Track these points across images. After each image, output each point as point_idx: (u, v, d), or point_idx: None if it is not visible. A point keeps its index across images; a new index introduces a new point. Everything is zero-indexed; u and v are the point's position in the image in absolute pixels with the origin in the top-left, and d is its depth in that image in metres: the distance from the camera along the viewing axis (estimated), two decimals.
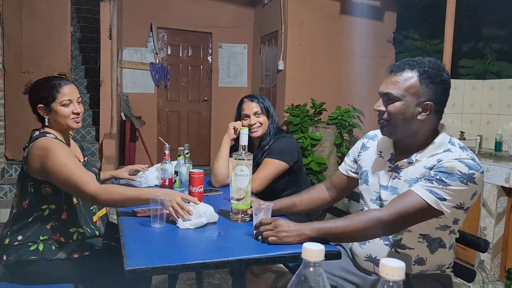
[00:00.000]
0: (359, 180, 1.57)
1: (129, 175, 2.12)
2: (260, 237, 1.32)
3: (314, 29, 5.20)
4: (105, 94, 4.78)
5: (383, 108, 1.35)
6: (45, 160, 1.57)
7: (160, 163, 2.18)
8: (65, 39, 4.54)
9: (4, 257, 1.65)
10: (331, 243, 1.34)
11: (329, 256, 1.30)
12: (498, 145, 3.48)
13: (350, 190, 1.69)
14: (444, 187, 1.24)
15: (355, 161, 1.61)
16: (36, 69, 4.51)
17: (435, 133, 1.37)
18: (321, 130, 4.55)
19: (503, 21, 4.93)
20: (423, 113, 1.31)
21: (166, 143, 2.20)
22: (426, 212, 1.25)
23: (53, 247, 1.66)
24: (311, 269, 0.65)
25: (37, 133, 1.70)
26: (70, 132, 1.85)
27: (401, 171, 1.39)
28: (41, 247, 1.64)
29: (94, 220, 1.79)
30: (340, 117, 4.62)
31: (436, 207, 1.24)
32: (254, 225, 1.40)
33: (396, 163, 1.41)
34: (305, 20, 5.18)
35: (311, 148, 4.50)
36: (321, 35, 5.23)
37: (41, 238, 1.65)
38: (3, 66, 4.60)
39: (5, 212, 4.02)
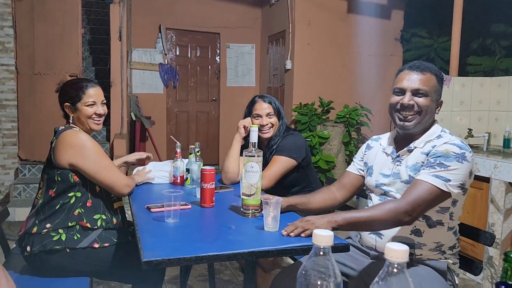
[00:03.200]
0: (365, 175, 1.70)
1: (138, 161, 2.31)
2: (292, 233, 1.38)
3: (321, 28, 5.23)
4: (115, 94, 4.86)
5: (412, 102, 1.50)
6: (80, 148, 1.72)
7: (167, 161, 2.26)
8: (76, 41, 4.62)
9: (28, 248, 1.72)
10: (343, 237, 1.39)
11: (338, 248, 1.34)
12: (507, 142, 3.48)
13: (360, 189, 1.80)
14: (445, 169, 1.39)
15: (362, 159, 1.76)
16: (48, 71, 4.60)
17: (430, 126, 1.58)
18: (329, 129, 4.58)
19: (511, 18, 4.91)
20: (438, 108, 1.55)
21: (178, 142, 2.26)
22: (437, 196, 1.38)
23: (75, 237, 1.73)
24: (322, 254, 0.69)
25: (62, 127, 1.82)
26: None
27: (402, 159, 1.56)
28: (64, 237, 1.72)
29: (115, 207, 1.88)
30: (348, 116, 4.64)
31: (445, 189, 1.37)
32: (264, 218, 1.44)
33: (397, 153, 1.58)
34: (312, 20, 5.20)
35: (319, 146, 4.53)
36: (328, 34, 5.25)
37: (69, 224, 1.74)
38: (16, 68, 4.70)
39: (19, 211, 4.11)
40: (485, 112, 3.82)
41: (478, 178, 2.94)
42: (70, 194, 1.76)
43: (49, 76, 4.56)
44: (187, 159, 2.18)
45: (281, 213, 1.65)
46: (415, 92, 1.49)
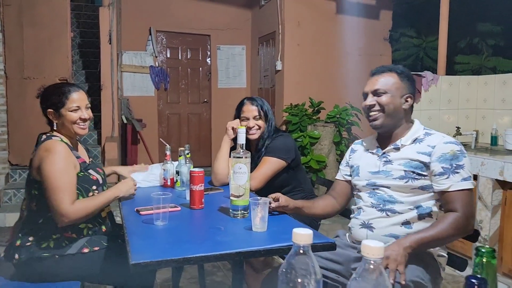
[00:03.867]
0: (352, 177, 1.75)
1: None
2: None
3: (311, 29, 5.26)
4: (106, 98, 4.85)
5: (372, 102, 1.62)
6: (42, 160, 1.66)
7: (156, 164, 2.26)
8: (65, 45, 4.61)
9: (16, 256, 1.71)
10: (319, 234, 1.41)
11: (325, 247, 1.37)
12: (494, 140, 3.53)
13: (352, 193, 1.83)
14: (463, 169, 1.50)
15: (348, 164, 1.82)
16: (37, 75, 4.58)
17: (410, 124, 1.67)
18: (319, 129, 4.61)
19: (497, 17, 4.99)
20: (406, 103, 1.62)
21: (167, 144, 2.27)
22: (473, 195, 1.52)
23: (63, 244, 1.72)
24: (302, 252, 0.70)
25: (44, 136, 1.78)
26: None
27: (389, 156, 1.63)
28: (52, 244, 1.71)
29: (103, 216, 1.86)
30: (338, 116, 4.67)
31: (473, 186, 1.51)
32: (252, 219, 1.46)
33: (383, 151, 1.65)
34: (302, 20, 5.24)
35: (310, 146, 4.56)
36: (318, 34, 5.29)
37: (54, 237, 1.72)
38: (5, 72, 4.67)
39: (10, 216, 4.09)
40: (472, 110, 3.87)
41: None
42: None
43: (39, 80, 4.54)
44: (177, 162, 2.19)
45: (286, 214, 1.70)
46: (375, 93, 1.62)
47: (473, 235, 1.54)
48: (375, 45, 5.52)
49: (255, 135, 2.30)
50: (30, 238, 1.72)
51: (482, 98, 3.81)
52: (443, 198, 1.52)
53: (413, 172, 1.54)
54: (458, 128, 3.66)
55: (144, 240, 1.39)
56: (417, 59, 5.55)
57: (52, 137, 1.76)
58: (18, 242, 1.72)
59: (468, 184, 1.49)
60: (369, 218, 1.61)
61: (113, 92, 4.81)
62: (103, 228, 1.84)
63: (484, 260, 0.68)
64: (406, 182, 1.55)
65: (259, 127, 2.30)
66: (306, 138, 4.54)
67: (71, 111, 1.77)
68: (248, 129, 2.28)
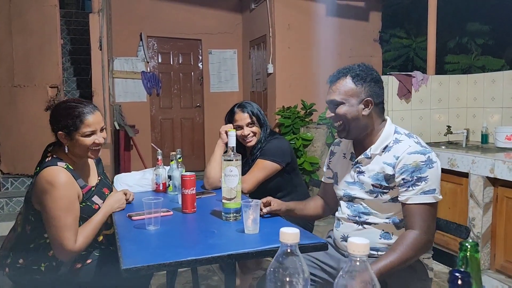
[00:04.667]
0: (333, 183, 1.73)
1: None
2: None
3: (301, 32, 5.29)
4: (97, 104, 4.79)
5: (332, 114, 1.53)
6: (45, 194, 1.56)
7: (149, 169, 2.25)
8: (56, 52, 4.59)
9: (6, 269, 1.68)
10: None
11: (316, 247, 1.37)
12: (485, 138, 3.56)
13: None
14: (425, 182, 1.41)
15: (329, 168, 1.78)
16: (28, 83, 4.56)
17: (382, 125, 1.55)
18: (312, 131, 4.63)
19: (485, 16, 5.05)
20: (366, 109, 1.50)
21: (159, 149, 2.26)
22: (435, 209, 1.43)
23: (54, 263, 1.67)
24: (289, 251, 0.71)
25: (49, 158, 1.64)
26: None
27: (362, 166, 1.56)
28: (42, 267, 1.65)
29: (99, 240, 1.82)
30: None
31: (436, 200, 1.42)
32: (244, 221, 1.47)
33: (356, 160, 1.58)
34: (292, 23, 5.26)
35: (303, 148, 4.57)
36: (308, 37, 5.32)
37: (43, 265, 1.66)
38: None
39: (2, 226, 4.05)
40: (462, 109, 3.91)
41: (457, 173, 3.01)
42: (45, 235, 1.64)
43: (30, 88, 4.52)
44: (169, 166, 2.19)
45: (279, 215, 1.70)
46: (331, 104, 1.53)
47: (464, 232, 1.55)
48: (365, 46, 5.56)
49: (252, 142, 2.27)
50: (20, 261, 1.66)
51: (472, 96, 3.85)
52: (403, 212, 1.45)
53: (380, 186, 1.49)
54: (449, 127, 3.69)
55: (136, 245, 1.39)
56: (407, 59, 5.60)
57: (58, 163, 1.61)
58: (8, 260, 1.68)
59: (428, 198, 1.40)
60: (347, 232, 1.58)
61: (104, 99, 4.79)
62: (95, 244, 1.79)
63: (468, 254, 0.69)
64: (375, 197, 1.50)
65: (255, 134, 2.29)
66: (299, 140, 4.56)
67: (84, 136, 1.63)
68: (244, 137, 2.26)
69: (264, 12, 5.40)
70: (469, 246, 0.71)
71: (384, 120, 1.56)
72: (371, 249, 1.48)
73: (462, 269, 0.63)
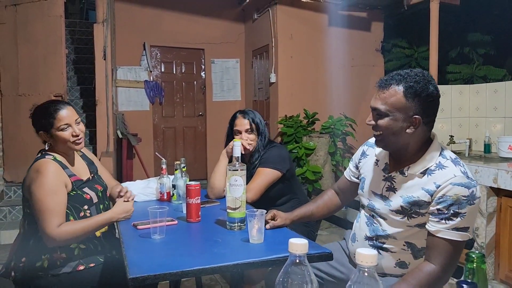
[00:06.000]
0: (359, 184, 1.63)
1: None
2: None
3: (304, 42, 5.32)
4: (101, 113, 4.85)
5: (373, 122, 1.40)
6: (32, 181, 1.66)
7: (152, 178, 2.26)
8: (60, 62, 4.62)
9: (12, 274, 1.72)
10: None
11: (321, 257, 1.38)
12: (487, 147, 3.57)
13: (356, 195, 1.73)
14: (461, 218, 1.29)
15: (357, 167, 1.67)
16: (33, 92, 4.59)
17: (427, 143, 1.41)
18: (314, 140, 4.63)
19: (487, 26, 5.08)
20: (411, 127, 1.34)
21: (163, 158, 2.28)
22: (462, 247, 1.34)
23: (58, 263, 1.71)
24: (298, 261, 0.72)
25: (39, 155, 1.78)
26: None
27: (395, 182, 1.45)
28: (45, 264, 1.70)
29: (98, 235, 1.84)
30: (333, 126, 4.71)
31: (466, 239, 1.32)
32: (249, 231, 1.47)
33: (390, 174, 1.47)
34: (294, 33, 5.30)
35: (305, 157, 4.58)
36: (311, 47, 5.35)
37: (43, 257, 1.70)
38: (0, 90, 4.68)
39: (5, 234, 4.06)
40: (465, 118, 3.92)
41: None
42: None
43: (34, 97, 4.55)
44: (173, 175, 2.20)
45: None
46: (375, 111, 1.39)
47: (469, 242, 1.55)
48: (367, 56, 5.59)
49: (247, 149, 2.31)
50: (23, 259, 1.72)
51: (474, 106, 3.86)
52: (427, 240, 1.35)
53: (410, 210, 1.38)
54: (451, 136, 3.70)
55: (141, 254, 1.40)
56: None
57: (46, 156, 1.75)
58: (12, 263, 1.73)
59: (460, 236, 1.29)
60: None
61: (108, 107, 4.82)
62: (98, 248, 1.82)
63: (474, 265, 0.70)
64: (402, 218, 1.40)
65: (252, 141, 2.31)
66: (302, 149, 4.57)
67: (61, 130, 1.75)
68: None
69: (266, 22, 5.45)
70: (475, 258, 0.71)
71: (430, 137, 1.42)
72: (384, 274, 1.44)
73: (469, 280, 0.63)
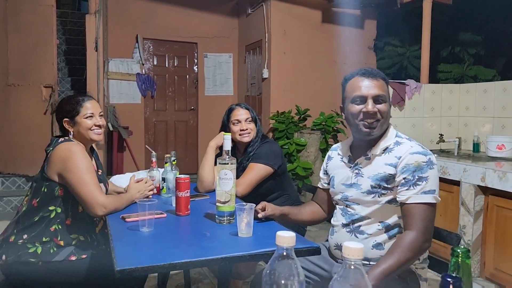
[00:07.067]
0: (330, 187, 1.71)
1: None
2: None
3: (297, 38, 5.32)
4: None
5: (375, 109, 1.50)
6: (68, 159, 1.73)
7: (142, 171, 2.25)
8: (51, 52, 4.57)
9: (3, 257, 1.72)
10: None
11: (309, 252, 1.38)
12: (476, 146, 3.61)
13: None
14: (425, 182, 1.42)
15: (326, 173, 1.78)
16: (22, 82, 4.53)
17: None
18: (306, 136, 4.65)
19: (478, 27, 5.12)
20: (390, 110, 1.55)
21: (153, 151, 2.27)
22: (434, 209, 1.44)
23: (51, 250, 1.72)
24: (285, 254, 0.72)
25: (61, 139, 1.84)
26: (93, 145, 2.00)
27: (361, 167, 1.57)
28: (39, 250, 1.71)
29: (97, 231, 1.87)
30: (324, 123, 4.72)
31: (435, 201, 1.43)
32: (237, 224, 1.47)
33: (355, 161, 1.59)
34: (288, 29, 5.30)
35: (296, 153, 4.59)
36: (304, 43, 5.35)
37: (44, 239, 1.73)
38: None
39: None
40: (455, 117, 3.95)
41: (449, 181, 3.04)
42: (51, 208, 1.77)
43: (24, 87, 4.50)
44: (163, 169, 2.19)
45: (273, 220, 1.70)
46: (376, 99, 1.49)
47: (454, 239, 1.57)
48: (360, 53, 5.61)
49: (248, 137, 2.32)
50: (24, 236, 1.74)
51: (464, 106, 3.90)
52: (402, 212, 1.45)
53: (379, 187, 1.48)
54: (441, 135, 3.73)
55: (129, 247, 1.39)
56: (401, 67, 5.65)
57: (70, 141, 1.84)
58: (12, 238, 1.75)
59: (429, 198, 1.40)
60: (341, 240, 1.58)
61: (99, 100, 4.78)
62: (95, 242, 1.85)
63: (459, 260, 0.71)
64: (373, 197, 1.50)
65: (251, 130, 2.33)
66: (293, 145, 4.57)
67: (85, 118, 1.86)
68: (241, 131, 2.30)
69: (260, 17, 5.43)
70: (460, 252, 0.72)
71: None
72: (364, 259, 1.46)
73: (453, 274, 0.64)
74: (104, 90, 5.14)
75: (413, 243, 1.37)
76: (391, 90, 3.74)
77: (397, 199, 1.45)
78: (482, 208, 2.85)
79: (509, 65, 5.11)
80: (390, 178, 1.47)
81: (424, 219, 1.40)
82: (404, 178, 1.43)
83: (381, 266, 1.34)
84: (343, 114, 1.62)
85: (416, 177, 1.42)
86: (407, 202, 1.42)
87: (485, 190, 2.82)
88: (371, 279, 1.30)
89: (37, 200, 1.78)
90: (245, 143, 2.34)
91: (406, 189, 1.42)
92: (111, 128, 5.30)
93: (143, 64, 6.06)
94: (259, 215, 1.63)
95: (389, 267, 1.33)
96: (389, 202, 1.49)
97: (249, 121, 2.34)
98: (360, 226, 1.54)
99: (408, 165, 1.44)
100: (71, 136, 1.86)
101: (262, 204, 1.69)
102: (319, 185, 1.84)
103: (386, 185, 1.48)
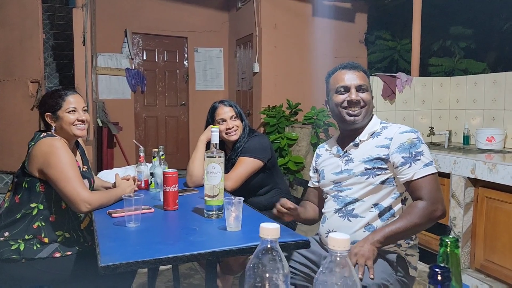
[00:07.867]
0: (319, 181, 1.74)
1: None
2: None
3: (288, 32, 5.29)
4: None
5: (359, 98, 1.60)
6: (50, 154, 1.68)
7: (130, 166, 2.22)
8: (37, 46, 4.49)
9: None
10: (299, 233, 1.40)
11: (299, 245, 1.36)
12: (466, 139, 3.61)
13: None
14: (423, 155, 1.50)
15: (316, 170, 1.81)
16: (8, 77, 4.45)
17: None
18: (297, 130, 4.63)
19: (468, 20, 5.13)
20: (372, 100, 1.65)
21: (141, 146, 2.23)
22: (438, 179, 1.51)
23: (35, 247, 1.69)
24: (269, 246, 0.69)
25: (44, 134, 1.79)
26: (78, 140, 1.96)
27: (351, 154, 1.63)
28: (22, 247, 1.68)
29: (82, 228, 1.84)
30: (315, 117, 4.71)
31: (436, 170, 1.51)
32: (226, 219, 1.45)
33: (344, 150, 1.66)
34: (278, 23, 5.26)
35: (288, 148, 4.57)
36: (295, 37, 5.32)
37: (26, 237, 1.70)
38: None
39: None
40: (445, 110, 3.96)
41: (439, 174, 3.01)
42: (32, 205, 1.73)
43: (9, 82, 4.42)
44: (151, 163, 2.16)
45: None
46: (358, 88, 1.61)
47: (446, 231, 1.56)
48: (351, 47, 5.59)
49: (235, 135, 2.30)
50: (5, 234, 1.70)
51: (455, 98, 3.90)
52: (409, 188, 1.51)
53: (374, 168, 1.54)
54: (431, 128, 3.73)
55: (115, 242, 1.36)
56: (392, 61, 5.65)
57: (52, 136, 1.79)
58: None
59: (431, 169, 1.48)
60: (332, 226, 1.60)
61: (87, 95, 4.70)
62: (81, 239, 1.82)
63: (448, 249, 0.69)
64: (367, 179, 1.54)
65: (238, 127, 2.30)
66: (284, 140, 4.56)
67: (68, 113, 1.81)
68: (227, 130, 2.27)
69: (250, 11, 5.39)
70: (449, 242, 0.70)
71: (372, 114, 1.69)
72: (356, 242, 1.49)
73: (442, 265, 0.62)
74: (93, 85, 5.07)
75: (422, 210, 1.43)
76: (382, 83, 3.73)
77: (402, 179, 1.50)
78: (472, 200, 2.86)
79: (500, 58, 5.12)
80: (383, 160, 1.53)
81: (432, 190, 1.46)
82: (402, 157, 1.49)
83: (388, 228, 1.42)
84: (327, 106, 1.71)
85: (413, 153, 1.49)
86: (413, 178, 1.47)
87: (475, 182, 2.82)
88: (375, 237, 1.39)
89: (19, 196, 1.74)
90: (234, 141, 2.31)
91: (409, 167, 1.48)
92: (100, 124, 5.24)
93: (132, 59, 5.99)
94: (286, 218, 1.63)
95: (396, 229, 1.41)
96: (382, 182, 1.53)
97: (234, 118, 2.31)
98: (353, 209, 1.56)
99: (402, 144, 1.51)
100: (53, 131, 1.82)
101: (284, 200, 1.64)
102: (309, 184, 1.86)
103: (380, 166, 1.53)
